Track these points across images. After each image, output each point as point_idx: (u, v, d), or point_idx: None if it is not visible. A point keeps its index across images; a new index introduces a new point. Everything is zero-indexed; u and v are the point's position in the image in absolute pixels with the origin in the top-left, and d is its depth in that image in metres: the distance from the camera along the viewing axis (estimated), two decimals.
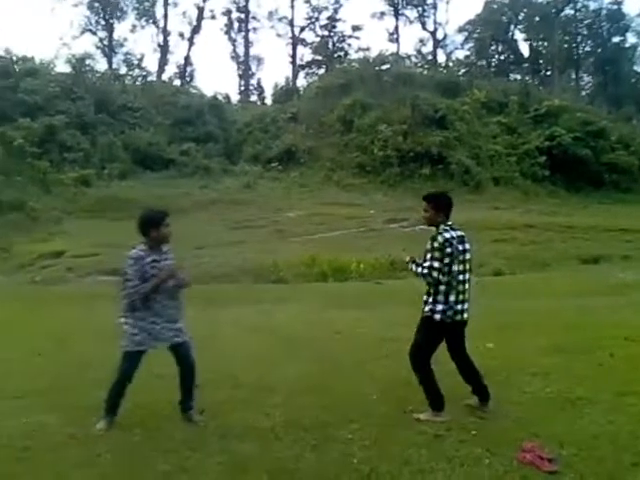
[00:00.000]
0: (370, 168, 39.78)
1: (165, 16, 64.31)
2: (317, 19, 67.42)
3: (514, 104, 45.90)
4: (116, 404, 4.97)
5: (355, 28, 67.41)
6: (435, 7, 66.94)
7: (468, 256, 5.06)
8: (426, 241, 5.04)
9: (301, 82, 66.16)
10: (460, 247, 4.99)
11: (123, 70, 61.66)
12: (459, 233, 5.05)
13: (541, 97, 48.25)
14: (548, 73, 68.71)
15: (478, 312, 11.12)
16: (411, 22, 69.05)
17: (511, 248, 23.75)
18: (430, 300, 4.98)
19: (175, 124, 44.74)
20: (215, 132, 45.29)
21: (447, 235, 4.93)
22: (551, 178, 40.57)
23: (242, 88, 68.41)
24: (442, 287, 4.92)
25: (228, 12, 66.70)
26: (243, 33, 67.91)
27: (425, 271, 4.88)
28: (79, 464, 4.26)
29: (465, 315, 5.08)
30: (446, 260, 4.89)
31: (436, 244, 4.89)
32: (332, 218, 29.19)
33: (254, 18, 68.40)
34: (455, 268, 4.94)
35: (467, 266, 5.05)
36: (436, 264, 4.87)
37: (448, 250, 4.89)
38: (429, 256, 4.91)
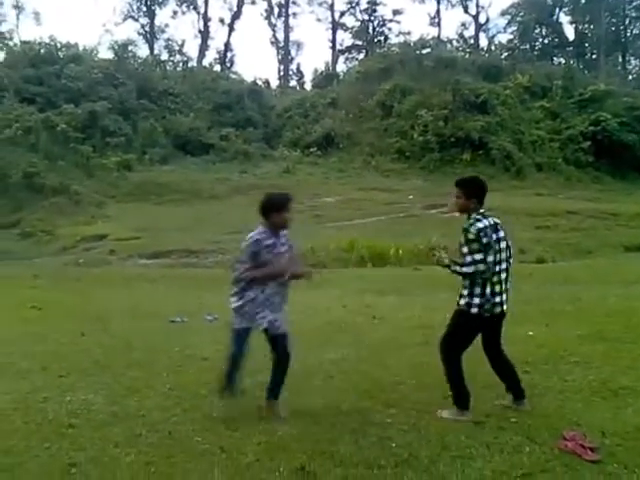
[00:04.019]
0: (409, 153, 39.53)
1: (206, 2, 64.78)
2: (357, 3, 67.14)
3: (558, 88, 44.90)
4: (232, 377, 4.99)
5: (396, 12, 67.06)
6: None
7: (504, 245, 4.75)
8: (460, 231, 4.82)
9: (341, 67, 66.15)
10: (494, 236, 4.67)
11: (164, 56, 62.53)
12: (492, 221, 4.73)
13: (586, 81, 47.14)
14: (594, 57, 66.99)
15: (519, 299, 11.02)
16: (453, 5, 68.48)
17: (553, 235, 23.41)
18: (466, 293, 4.70)
19: (215, 109, 45.03)
20: (255, 117, 45.46)
21: (480, 225, 4.63)
22: (595, 164, 39.65)
23: (282, 73, 68.49)
24: (479, 279, 4.64)
25: None
26: (283, 18, 68.01)
27: (472, 268, 4.58)
28: (120, 442, 4.35)
29: (504, 307, 4.77)
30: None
31: (470, 236, 4.58)
32: (370, 203, 29.09)
33: (294, 3, 68.60)
34: (490, 259, 4.61)
35: (503, 255, 4.74)
36: (478, 256, 4.57)
37: (484, 240, 4.58)
38: (466, 250, 4.60)
